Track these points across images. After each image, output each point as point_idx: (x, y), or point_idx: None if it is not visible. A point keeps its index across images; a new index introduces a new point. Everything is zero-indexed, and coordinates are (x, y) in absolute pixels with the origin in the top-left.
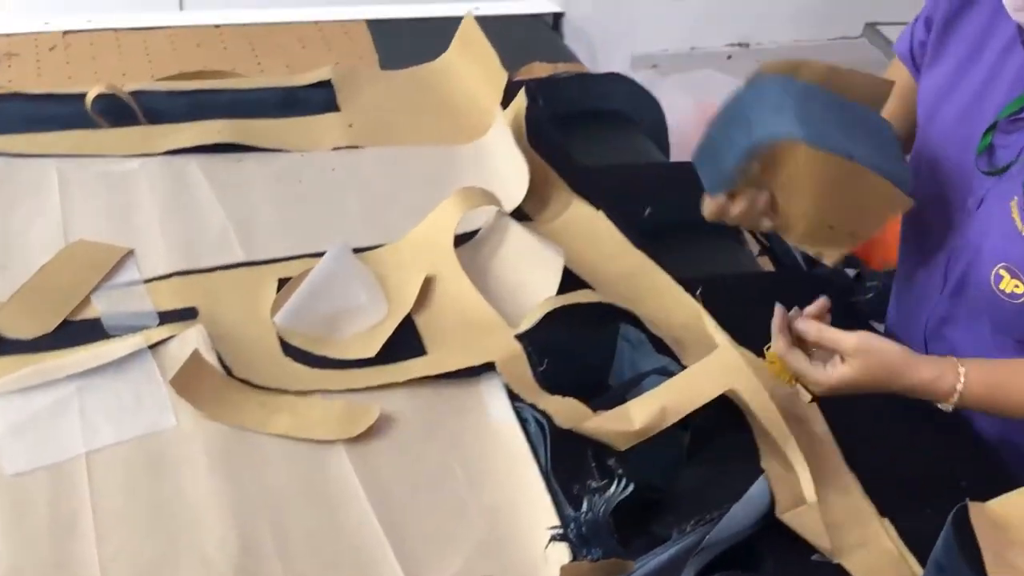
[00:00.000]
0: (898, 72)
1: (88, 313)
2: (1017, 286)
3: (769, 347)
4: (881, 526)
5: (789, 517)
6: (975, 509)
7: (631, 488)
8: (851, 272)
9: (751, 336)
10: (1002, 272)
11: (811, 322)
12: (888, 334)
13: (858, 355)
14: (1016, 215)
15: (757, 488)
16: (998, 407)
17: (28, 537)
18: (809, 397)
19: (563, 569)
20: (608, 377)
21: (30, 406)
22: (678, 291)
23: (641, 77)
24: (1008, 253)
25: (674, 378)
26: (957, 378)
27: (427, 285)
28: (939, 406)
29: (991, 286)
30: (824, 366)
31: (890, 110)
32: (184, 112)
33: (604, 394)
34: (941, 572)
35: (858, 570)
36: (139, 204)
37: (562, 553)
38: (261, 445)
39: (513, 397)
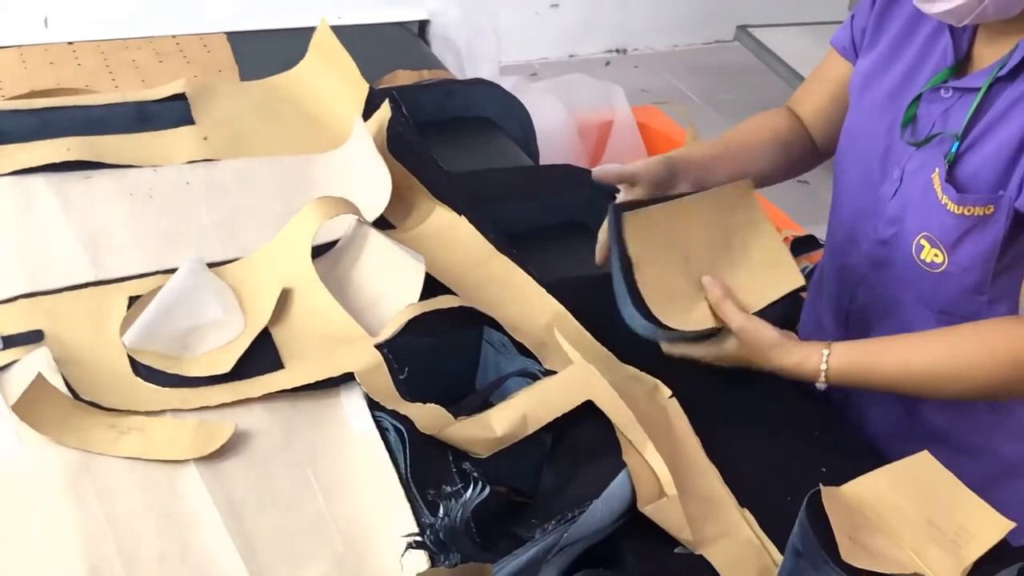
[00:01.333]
0: (831, 65)
1: None
2: (936, 255)
3: None
4: (741, 516)
5: (650, 510)
6: (828, 493)
7: (487, 491)
8: None
9: (619, 336)
10: (923, 242)
11: (718, 285)
12: (808, 310)
13: (740, 334)
14: (937, 186)
15: (618, 483)
16: (866, 383)
17: None
18: (669, 393)
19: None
20: (473, 382)
21: None
22: (541, 294)
23: (510, 84)
24: (928, 223)
25: (533, 386)
26: (820, 360)
27: (284, 298)
28: (816, 385)
29: (912, 256)
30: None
31: (817, 105)
32: (32, 131)
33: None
34: (798, 557)
35: (719, 560)
36: None
37: (420, 561)
38: (110, 469)
39: (374, 407)
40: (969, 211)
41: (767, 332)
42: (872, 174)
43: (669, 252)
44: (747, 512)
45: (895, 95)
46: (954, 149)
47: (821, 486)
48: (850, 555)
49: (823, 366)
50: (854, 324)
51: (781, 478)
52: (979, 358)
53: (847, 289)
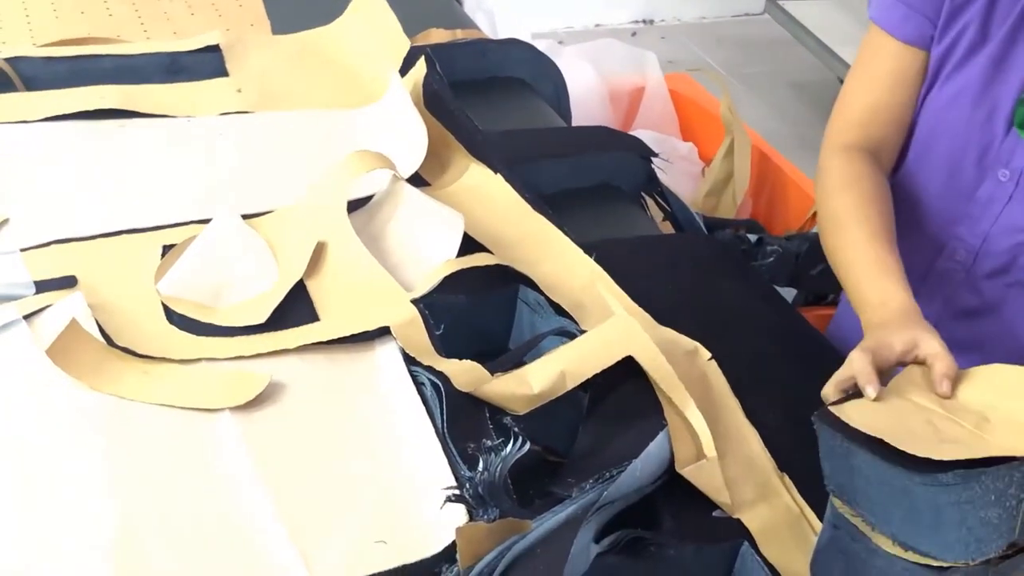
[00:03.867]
0: (895, 66)
1: None
2: None
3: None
4: (781, 482)
5: (689, 471)
6: (838, 410)
7: (527, 446)
8: (752, 237)
9: (653, 298)
10: None
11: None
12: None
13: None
14: None
15: (657, 443)
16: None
17: None
18: (708, 355)
19: (459, 530)
20: (508, 341)
21: None
22: (577, 254)
23: (542, 46)
24: None
25: (572, 343)
26: None
27: (319, 251)
28: None
29: None
30: None
31: (897, 116)
32: (64, 79)
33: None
34: (836, 529)
35: (756, 525)
36: (16, 171)
37: (458, 515)
38: (143, 415)
39: (409, 361)
40: None
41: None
42: (964, 176)
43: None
44: (787, 478)
45: (987, 86)
46: None
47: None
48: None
49: None
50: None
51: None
52: None
53: (940, 291)
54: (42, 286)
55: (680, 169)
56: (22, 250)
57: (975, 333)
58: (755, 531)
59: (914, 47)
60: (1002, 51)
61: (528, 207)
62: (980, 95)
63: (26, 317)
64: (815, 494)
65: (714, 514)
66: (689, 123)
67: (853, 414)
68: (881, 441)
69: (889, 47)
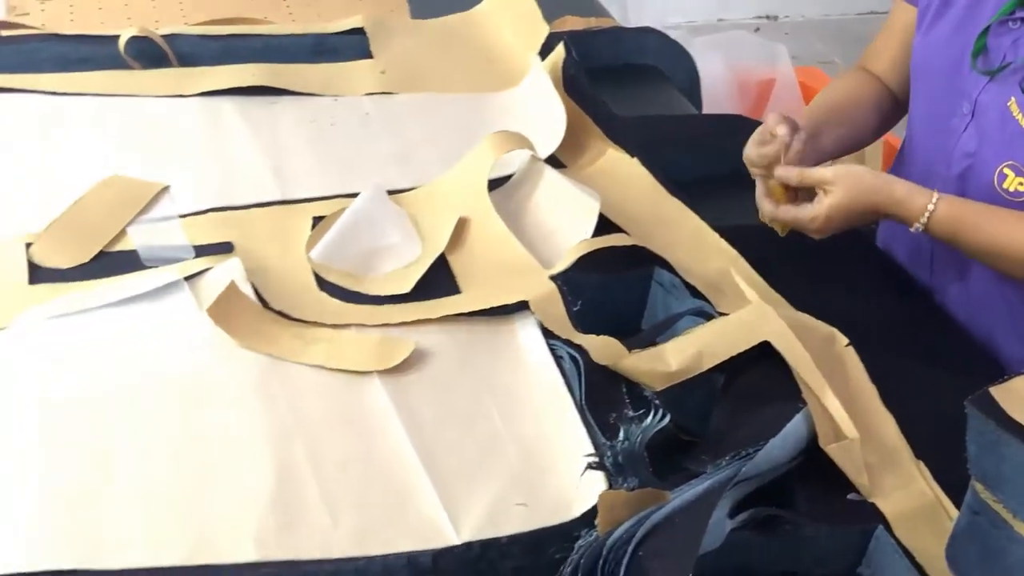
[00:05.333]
0: (898, 15)
1: (124, 246)
2: (1021, 183)
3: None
4: (917, 469)
5: (832, 449)
6: (998, 392)
7: (668, 418)
8: None
9: (789, 284)
10: (1007, 171)
11: (791, 168)
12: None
13: (838, 180)
14: (1017, 114)
15: (796, 423)
16: (960, 239)
17: (64, 461)
18: (846, 341)
19: (601, 496)
20: (640, 322)
21: (65, 334)
22: (714, 238)
23: (673, 36)
24: (1012, 151)
25: (709, 324)
26: (930, 199)
27: (461, 226)
28: (910, 230)
29: (994, 186)
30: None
31: (893, 57)
32: (216, 56)
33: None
34: (975, 515)
35: (891, 510)
36: (174, 143)
37: (596, 483)
38: (296, 375)
39: (547, 335)
40: None
41: (863, 168)
42: (940, 110)
43: None
44: (922, 465)
45: (959, 29)
46: None
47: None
48: None
49: (930, 206)
50: (938, 261)
51: (959, 434)
52: None
53: None
54: (200, 251)
55: None
56: (181, 216)
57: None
58: (890, 515)
59: (907, 3)
60: (973, 1)
61: (664, 191)
62: (953, 37)
63: (187, 279)
64: (951, 482)
65: (849, 497)
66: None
67: (1013, 404)
68: None
69: (896, 4)
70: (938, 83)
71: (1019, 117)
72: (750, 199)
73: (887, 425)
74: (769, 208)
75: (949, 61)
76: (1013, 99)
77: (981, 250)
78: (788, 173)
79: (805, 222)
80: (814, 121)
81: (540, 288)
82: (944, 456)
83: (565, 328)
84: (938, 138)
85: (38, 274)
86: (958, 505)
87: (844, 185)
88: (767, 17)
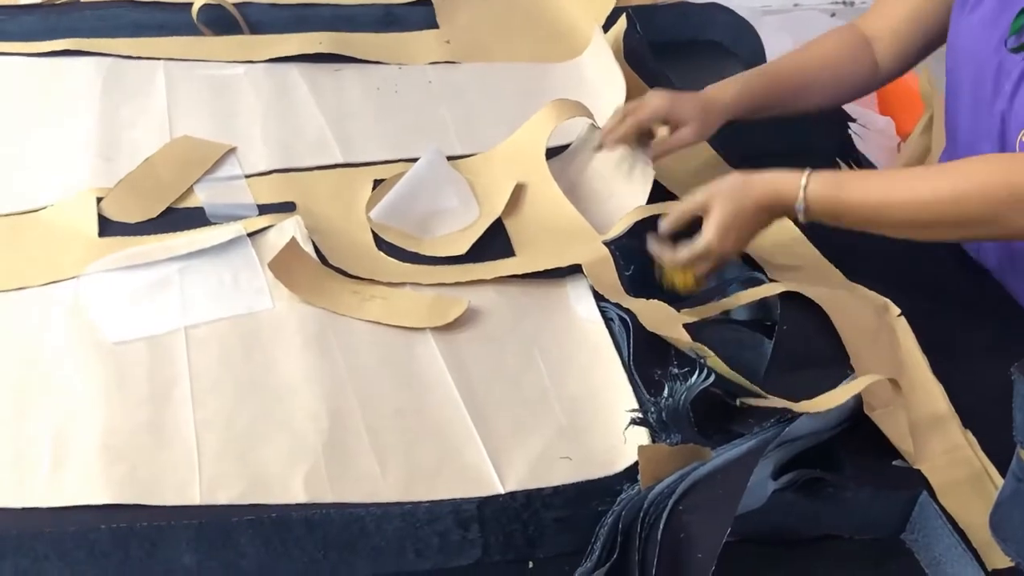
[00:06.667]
0: None
1: (191, 203)
2: None
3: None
4: (964, 437)
5: (877, 415)
6: None
7: (712, 377)
8: None
9: (845, 256)
10: None
11: (663, 225)
12: None
13: (710, 197)
14: None
15: (842, 389)
16: (841, 208)
17: (127, 401)
18: (898, 311)
19: (641, 449)
20: None
21: (133, 283)
22: None
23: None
24: None
25: (758, 288)
26: (800, 176)
27: (518, 192)
28: (796, 215)
29: None
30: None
31: (893, 25)
32: (285, 24)
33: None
34: (1020, 483)
35: (936, 478)
36: (241, 107)
37: (641, 438)
38: (353, 329)
39: (598, 298)
40: None
41: (734, 175)
42: (985, 95)
43: None
44: (970, 434)
45: (1003, 9)
46: None
47: None
48: None
49: (803, 180)
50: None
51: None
52: (969, 188)
53: None
54: (264, 209)
55: (876, 143)
56: (247, 177)
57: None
58: (935, 482)
59: None
60: None
61: (722, 161)
62: (997, 18)
63: (250, 235)
64: (999, 454)
65: (894, 463)
66: (887, 97)
67: None
68: None
69: None
70: (981, 67)
71: None
72: None
73: (935, 394)
74: (668, 258)
75: (992, 44)
76: None
77: (865, 214)
78: (665, 227)
79: (703, 251)
80: (748, 93)
81: (594, 253)
82: (995, 427)
83: (617, 292)
84: (984, 122)
85: (109, 228)
86: (1004, 474)
87: (718, 198)
88: (843, 3)
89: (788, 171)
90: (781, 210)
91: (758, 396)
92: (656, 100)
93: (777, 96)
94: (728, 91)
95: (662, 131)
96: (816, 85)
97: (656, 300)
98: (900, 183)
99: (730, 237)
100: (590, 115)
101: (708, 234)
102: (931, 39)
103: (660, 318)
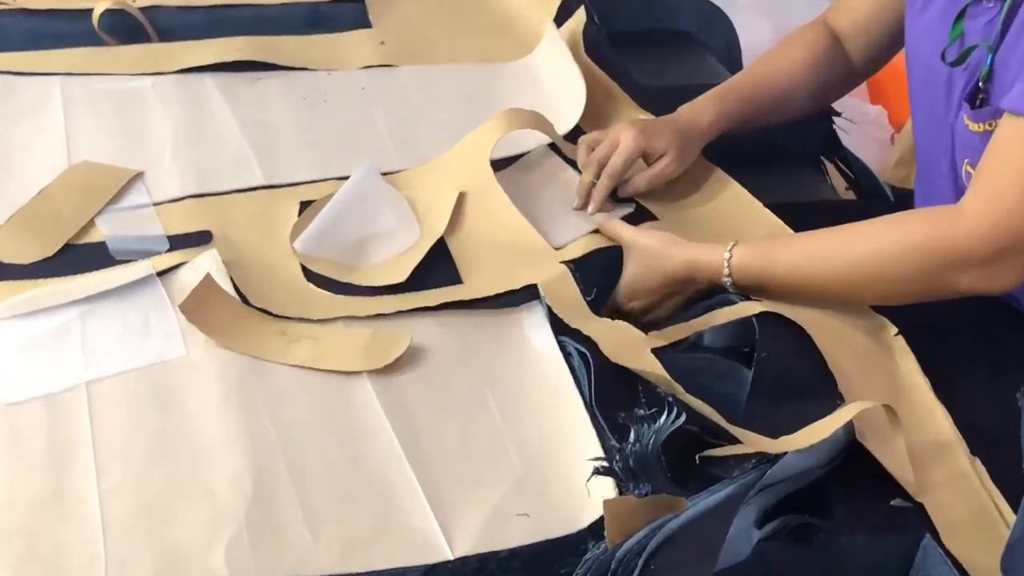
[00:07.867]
0: None
1: (93, 237)
2: None
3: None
4: (971, 466)
5: (872, 444)
6: None
7: (683, 418)
8: None
9: None
10: (968, 169)
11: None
12: None
13: (632, 238)
14: (967, 121)
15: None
16: (767, 275)
17: (23, 469)
18: (895, 331)
19: (607, 503)
20: None
21: (28, 333)
22: (759, 207)
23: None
24: (965, 148)
25: (734, 307)
26: (724, 248)
27: (461, 204)
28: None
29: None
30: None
31: (857, 19)
32: (200, 29)
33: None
34: None
35: (941, 514)
36: (150, 124)
37: (607, 488)
38: (279, 376)
39: (556, 329)
40: (989, 125)
41: (655, 233)
42: (938, 106)
43: None
44: (978, 462)
45: (947, 10)
46: (988, 62)
47: None
48: None
49: (726, 253)
50: None
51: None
52: (895, 251)
53: None
54: (176, 241)
55: (867, 134)
56: (156, 204)
57: None
58: (939, 521)
59: None
60: None
61: (707, 161)
62: (942, 20)
63: (160, 274)
64: (1009, 483)
65: (893, 503)
66: (879, 85)
67: None
68: None
69: None
70: (933, 75)
71: (968, 124)
72: (790, 175)
73: (938, 418)
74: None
75: (938, 48)
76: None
77: (792, 278)
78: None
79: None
80: (724, 109)
81: (550, 271)
82: (1004, 454)
83: (579, 312)
84: (942, 135)
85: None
86: (1016, 508)
87: (634, 250)
88: None
89: (712, 245)
90: (703, 282)
91: (734, 441)
92: (627, 139)
93: (753, 114)
94: (704, 116)
95: (637, 165)
96: (794, 96)
97: (621, 321)
98: (828, 247)
99: (637, 296)
100: (546, 124)
101: (619, 287)
102: (896, 34)
103: (626, 343)
